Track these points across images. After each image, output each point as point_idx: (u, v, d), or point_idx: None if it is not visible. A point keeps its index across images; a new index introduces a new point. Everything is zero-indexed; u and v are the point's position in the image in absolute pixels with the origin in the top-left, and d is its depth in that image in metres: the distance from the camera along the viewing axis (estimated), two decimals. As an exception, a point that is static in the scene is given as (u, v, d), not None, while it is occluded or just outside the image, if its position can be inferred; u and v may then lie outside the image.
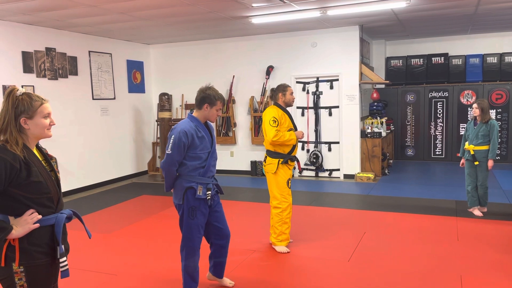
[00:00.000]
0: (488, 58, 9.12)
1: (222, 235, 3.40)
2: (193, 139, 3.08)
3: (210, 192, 3.17)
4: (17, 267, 1.89)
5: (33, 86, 6.66)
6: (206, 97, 3.16)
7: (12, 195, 1.89)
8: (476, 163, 5.31)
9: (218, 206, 3.36)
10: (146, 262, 4.17)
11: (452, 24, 7.98)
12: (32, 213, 1.91)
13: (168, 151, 3.07)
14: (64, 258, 2.00)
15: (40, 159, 2.02)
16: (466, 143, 5.43)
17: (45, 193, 1.95)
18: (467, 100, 9.34)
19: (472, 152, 5.32)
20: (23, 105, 1.92)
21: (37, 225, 1.92)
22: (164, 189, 3.32)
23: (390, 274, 3.76)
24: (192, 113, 3.24)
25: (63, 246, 2.00)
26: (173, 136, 3.06)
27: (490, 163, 5.23)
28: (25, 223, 1.89)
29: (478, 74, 9.22)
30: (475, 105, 5.29)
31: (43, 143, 2.17)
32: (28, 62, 6.64)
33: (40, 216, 1.93)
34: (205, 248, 3.46)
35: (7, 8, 5.58)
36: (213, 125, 3.41)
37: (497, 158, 5.39)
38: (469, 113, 9.31)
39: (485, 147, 5.25)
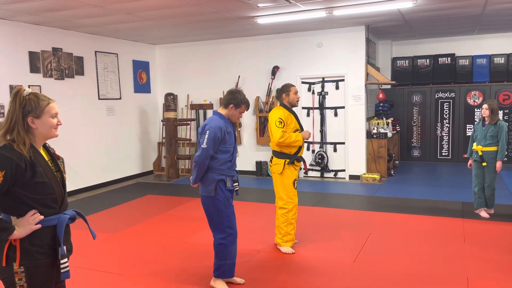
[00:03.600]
0: (495, 59, 9.05)
1: None
2: (225, 134, 3.35)
3: (237, 184, 3.47)
4: (17, 267, 1.89)
5: (39, 86, 6.69)
6: (234, 98, 3.43)
7: (16, 195, 1.89)
8: (484, 164, 5.27)
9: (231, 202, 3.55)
10: (152, 262, 4.18)
11: (459, 24, 7.93)
12: (34, 213, 1.91)
13: (204, 145, 3.28)
14: (65, 260, 1.99)
15: (47, 159, 2.02)
16: (474, 144, 5.39)
17: (49, 194, 1.95)
18: (474, 101, 9.28)
19: (480, 153, 5.29)
20: (30, 105, 1.93)
21: (39, 225, 1.91)
22: (191, 183, 3.47)
23: (396, 276, 3.74)
24: (217, 111, 3.48)
25: (64, 247, 1.99)
26: (207, 131, 3.30)
27: (499, 164, 5.19)
28: (27, 224, 1.88)
29: (485, 74, 9.16)
30: (485, 106, 5.25)
31: (49, 143, 2.17)
32: (35, 62, 6.67)
33: (42, 217, 1.92)
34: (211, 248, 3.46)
35: (15, 9, 5.61)
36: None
37: (504, 159, 5.34)
38: (476, 114, 9.25)
39: (493, 148, 5.22)
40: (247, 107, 3.53)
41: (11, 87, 6.28)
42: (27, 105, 1.93)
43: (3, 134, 1.93)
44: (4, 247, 1.89)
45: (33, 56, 6.64)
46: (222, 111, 3.46)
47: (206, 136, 3.28)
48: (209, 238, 3.61)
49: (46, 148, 2.09)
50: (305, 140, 4.33)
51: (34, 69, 6.65)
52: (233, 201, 3.51)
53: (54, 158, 2.09)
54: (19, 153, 1.87)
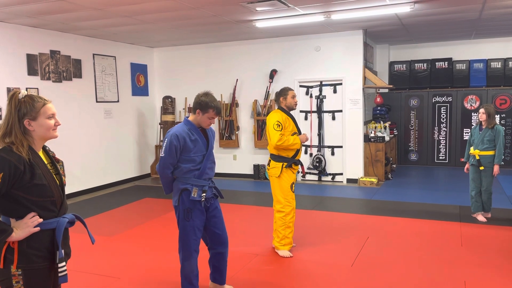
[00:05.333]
0: (492, 63, 9.09)
1: (220, 241, 3.35)
2: (185, 142, 3.10)
3: (205, 194, 3.16)
4: (15, 269, 1.88)
5: (37, 88, 6.68)
6: (200, 103, 3.15)
7: (15, 197, 1.88)
8: (482, 168, 5.29)
9: (217, 212, 3.32)
10: (149, 265, 4.16)
11: (456, 29, 7.97)
12: (33, 216, 1.90)
13: (162, 154, 3.14)
14: (63, 263, 1.98)
15: (46, 162, 2.02)
16: (471, 148, 5.41)
17: (48, 197, 1.95)
18: (471, 105, 9.32)
19: (477, 157, 5.30)
20: (25, 107, 1.93)
21: (38, 228, 1.90)
22: (164, 192, 3.35)
23: (394, 279, 3.74)
24: (188, 117, 3.26)
25: (63, 251, 1.98)
26: (166, 139, 3.13)
27: (496, 168, 5.21)
28: (26, 226, 1.88)
29: (482, 79, 9.20)
30: (481, 110, 5.28)
31: (48, 145, 2.16)
32: (33, 64, 6.66)
33: (41, 220, 1.92)
34: (207, 254, 3.45)
35: (13, 11, 5.61)
36: (214, 128, 3.40)
37: (502, 163, 5.36)
38: (473, 118, 9.29)
39: (490, 152, 5.23)
40: (217, 112, 3.16)
41: (9, 90, 6.26)
42: (22, 108, 1.93)
43: (1, 137, 1.93)
44: (2, 249, 1.88)
45: (31, 58, 6.63)
46: (191, 117, 3.22)
47: (164, 144, 3.12)
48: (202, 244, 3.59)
49: (45, 151, 2.09)
50: (303, 143, 4.34)
51: (32, 71, 6.64)
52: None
53: (54, 161, 2.08)
54: (18, 155, 1.86)
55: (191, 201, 3.14)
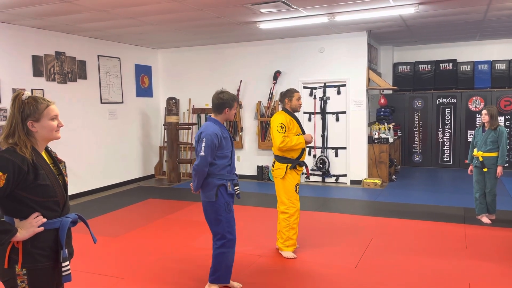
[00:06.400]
0: (497, 65, 9.06)
1: None
2: (221, 140, 3.34)
3: (238, 187, 3.48)
4: (19, 269, 1.89)
5: (42, 89, 6.72)
6: (225, 102, 3.42)
7: (19, 198, 1.90)
8: (485, 169, 5.27)
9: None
10: (152, 266, 4.18)
11: (461, 30, 7.95)
12: (37, 216, 1.92)
13: (202, 153, 3.28)
14: (67, 263, 1.99)
15: (49, 162, 2.04)
16: (475, 149, 5.39)
17: (52, 197, 1.96)
18: (476, 107, 9.29)
19: (480, 159, 5.29)
20: (28, 108, 1.94)
21: (42, 228, 1.92)
22: (193, 190, 3.48)
23: (397, 281, 3.73)
24: (211, 116, 3.48)
25: (66, 250, 2.00)
26: (204, 139, 3.29)
27: (499, 169, 5.19)
28: (30, 226, 1.89)
29: (486, 80, 9.17)
30: (484, 112, 5.27)
31: (51, 146, 2.18)
32: (38, 65, 6.70)
33: (45, 220, 1.93)
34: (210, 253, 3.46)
35: (18, 13, 5.65)
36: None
37: (505, 165, 5.34)
38: (477, 119, 9.25)
39: (494, 154, 5.22)
40: (238, 101, 3.57)
41: (14, 91, 6.30)
42: (26, 109, 1.94)
43: (5, 138, 1.95)
44: (7, 249, 1.90)
45: (36, 60, 6.67)
46: (216, 116, 3.45)
47: (203, 143, 3.27)
48: (210, 243, 3.60)
49: (48, 151, 2.10)
50: (308, 143, 4.32)
51: (37, 72, 6.68)
52: (234, 205, 3.51)
53: (56, 161, 2.10)
54: (22, 156, 1.88)
55: (229, 195, 3.40)
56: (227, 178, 3.39)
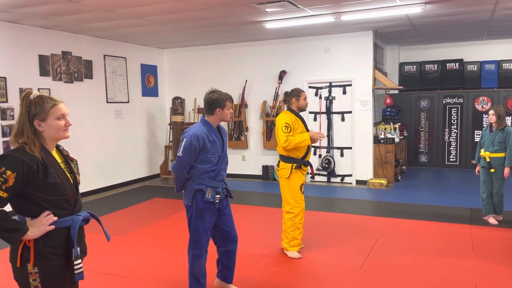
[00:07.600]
0: (504, 64, 9.00)
1: (229, 239, 3.39)
2: (205, 143, 3.12)
3: (219, 196, 3.19)
4: (31, 267, 1.90)
5: (49, 89, 6.76)
6: (215, 101, 3.18)
7: (29, 196, 1.91)
8: (492, 170, 5.23)
9: (227, 209, 3.36)
10: (157, 265, 4.19)
11: (468, 30, 7.90)
12: (48, 214, 1.93)
13: (179, 153, 3.12)
14: (79, 261, 2.00)
15: (60, 161, 2.04)
16: (482, 150, 5.36)
17: (62, 195, 1.97)
18: (482, 107, 9.23)
19: (488, 159, 5.25)
20: (35, 108, 1.96)
21: (53, 226, 1.93)
22: (175, 190, 3.37)
23: (403, 282, 3.72)
24: (204, 117, 3.27)
25: (78, 249, 2.00)
26: (184, 139, 3.11)
27: (507, 170, 5.15)
28: (41, 225, 1.90)
29: (493, 80, 9.10)
30: (491, 112, 5.23)
31: (61, 144, 2.19)
32: (45, 65, 6.74)
33: (55, 218, 1.94)
34: (214, 253, 3.46)
35: (25, 12, 5.68)
36: (225, 128, 3.46)
37: (513, 165, 5.28)
38: (484, 119, 9.19)
39: (501, 154, 5.18)
40: (232, 100, 3.29)
41: (21, 90, 6.34)
42: (32, 109, 1.96)
43: (15, 137, 1.97)
44: (19, 247, 1.91)
45: (43, 59, 6.70)
46: (208, 118, 3.23)
47: (182, 144, 3.11)
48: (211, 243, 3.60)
49: (59, 150, 2.11)
50: (315, 140, 4.23)
51: (43, 72, 6.72)
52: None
53: (67, 160, 2.11)
54: (31, 155, 1.89)
55: (205, 202, 3.16)
56: (208, 184, 3.16)
